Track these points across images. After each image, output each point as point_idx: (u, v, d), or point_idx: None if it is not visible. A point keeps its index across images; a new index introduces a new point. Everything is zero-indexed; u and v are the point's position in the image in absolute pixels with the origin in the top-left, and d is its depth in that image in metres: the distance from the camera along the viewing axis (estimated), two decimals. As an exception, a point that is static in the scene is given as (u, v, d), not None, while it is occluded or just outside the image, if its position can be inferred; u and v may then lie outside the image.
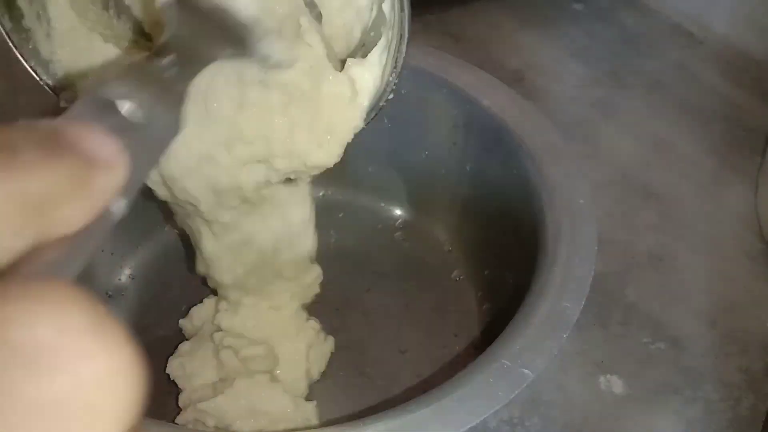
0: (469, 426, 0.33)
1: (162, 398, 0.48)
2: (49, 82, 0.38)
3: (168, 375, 0.48)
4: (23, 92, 0.75)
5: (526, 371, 0.35)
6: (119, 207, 0.17)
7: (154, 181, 0.37)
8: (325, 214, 0.61)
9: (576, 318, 0.38)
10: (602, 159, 0.69)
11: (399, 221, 0.62)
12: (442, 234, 0.60)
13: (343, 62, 0.38)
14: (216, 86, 0.34)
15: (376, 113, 0.39)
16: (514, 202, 0.50)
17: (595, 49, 0.84)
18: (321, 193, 0.62)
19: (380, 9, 0.37)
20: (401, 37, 0.36)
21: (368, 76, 0.37)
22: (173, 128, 0.23)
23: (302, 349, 0.48)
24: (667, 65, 0.82)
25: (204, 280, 0.48)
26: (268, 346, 0.46)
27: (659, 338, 0.54)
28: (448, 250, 0.59)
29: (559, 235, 0.43)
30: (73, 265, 0.14)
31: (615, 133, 0.73)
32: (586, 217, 0.44)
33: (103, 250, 0.54)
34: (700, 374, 0.52)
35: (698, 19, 0.87)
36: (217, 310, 0.48)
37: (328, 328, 0.53)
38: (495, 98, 0.53)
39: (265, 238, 0.43)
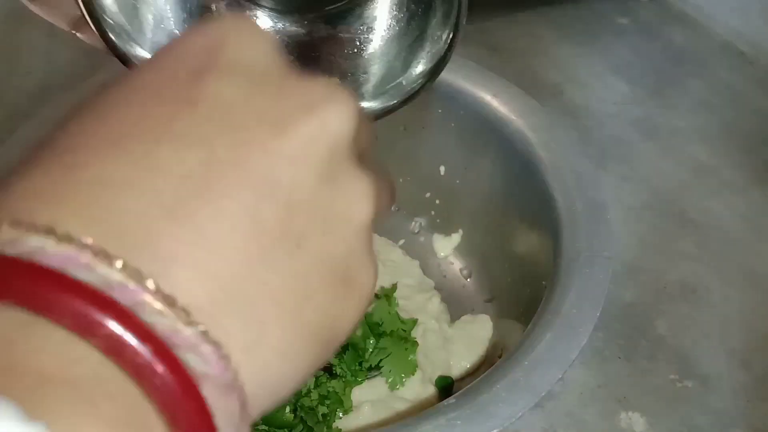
0: None
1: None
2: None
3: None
4: (25, 76, 0.76)
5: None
6: None
7: None
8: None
9: (573, 357, 0.37)
10: (639, 182, 0.67)
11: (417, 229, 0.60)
12: (459, 246, 0.58)
13: None
14: None
15: None
16: (534, 222, 0.48)
17: (639, 65, 0.81)
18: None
19: None
20: None
21: None
22: None
23: None
24: (714, 85, 0.78)
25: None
26: None
27: (687, 376, 0.51)
28: (463, 265, 0.57)
29: (575, 263, 0.41)
30: None
31: (654, 155, 0.70)
32: (597, 200, 0.44)
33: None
34: (730, 418, 0.49)
35: (750, 37, 0.83)
36: None
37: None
38: (526, 117, 0.51)
39: None
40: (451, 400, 0.35)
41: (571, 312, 0.38)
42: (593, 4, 0.91)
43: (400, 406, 0.45)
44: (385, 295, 0.50)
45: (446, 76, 0.54)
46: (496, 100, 0.52)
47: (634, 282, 0.58)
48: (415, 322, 0.50)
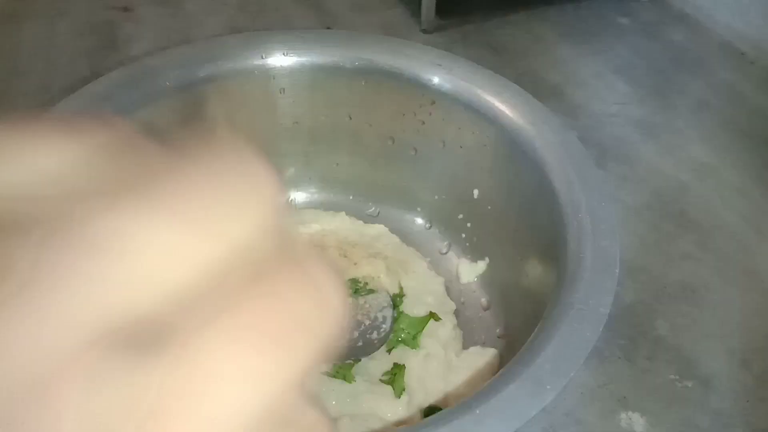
0: None
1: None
2: None
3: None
4: (25, 76, 0.76)
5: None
6: None
7: None
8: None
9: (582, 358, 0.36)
10: (639, 182, 0.67)
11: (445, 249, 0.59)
12: (483, 274, 0.57)
13: None
14: None
15: None
16: (549, 263, 0.46)
17: (640, 65, 0.81)
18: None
19: None
20: None
21: None
22: None
23: None
24: (714, 85, 0.78)
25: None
26: None
27: (688, 376, 0.51)
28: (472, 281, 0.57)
29: (580, 270, 0.41)
30: None
31: (655, 155, 0.70)
32: (609, 252, 0.42)
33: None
34: (729, 418, 0.49)
35: (750, 37, 0.83)
36: None
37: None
38: (557, 150, 0.49)
39: None
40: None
41: (543, 366, 0.36)
42: (593, 4, 0.91)
43: (378, 426, 0.44)
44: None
45: (480, 93, 0.53)
46: (533, 128, 0.50)
47: (635, 282, 0.58)
48: (425, 320, 0.49)
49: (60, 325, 0.11)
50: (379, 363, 0.48)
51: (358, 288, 0.52)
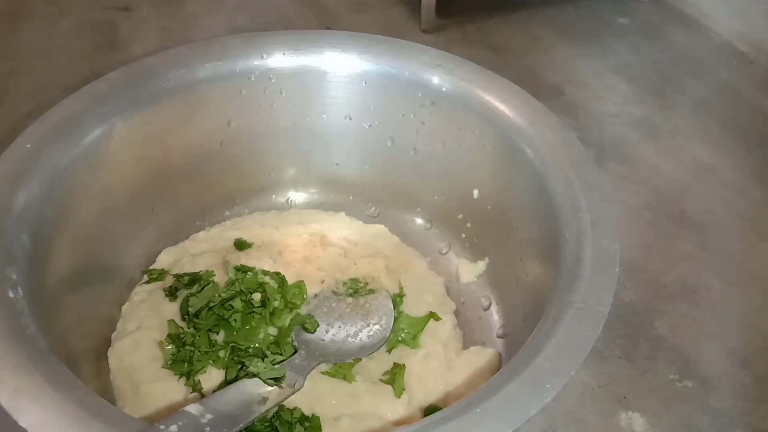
0: None
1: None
2: None
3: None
4: (25, 76, 0.76)
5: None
6: None
7: None
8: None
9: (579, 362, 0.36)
10: (639, 182, 0.67)
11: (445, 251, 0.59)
12: (483, 274, 0.57)
13: None
14: None
15: None
16: (549, 263, 0.46)
17: (640, 65, 0.81)
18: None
19: None
20: None
21: None
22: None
23: None
24: (714, 85, 0.79)
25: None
26: None
27: (687, 376, 0.51)
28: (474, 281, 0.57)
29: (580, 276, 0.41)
30: None
31: (655, 155, 0.70)
32: (608, 251, 0.42)
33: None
34: (729, 418, 0.49)
35: (750, 37, 0.83)
36: None
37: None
38: (559, 152, 0.49)
39: None
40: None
41: (543, 365, 0.36)
42: (593, 4, 0.92)
43: (378, 425, 0.44)
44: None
45: (480, 93, 0.53)
46: (533, 128, 0.50)
47: (634, 282, 0.58)
48: (425, 320, 0.49)
49: None
50: (379, 363, 0.48)
51: (358, 288, 0.52)
